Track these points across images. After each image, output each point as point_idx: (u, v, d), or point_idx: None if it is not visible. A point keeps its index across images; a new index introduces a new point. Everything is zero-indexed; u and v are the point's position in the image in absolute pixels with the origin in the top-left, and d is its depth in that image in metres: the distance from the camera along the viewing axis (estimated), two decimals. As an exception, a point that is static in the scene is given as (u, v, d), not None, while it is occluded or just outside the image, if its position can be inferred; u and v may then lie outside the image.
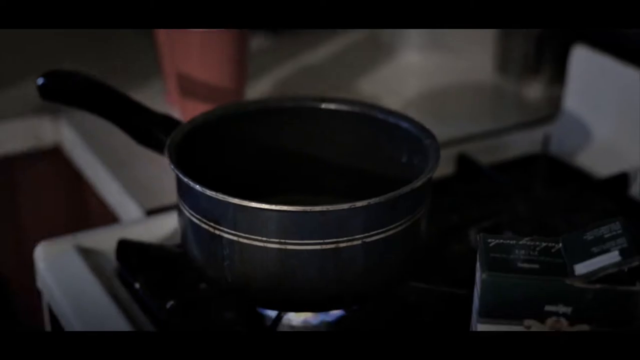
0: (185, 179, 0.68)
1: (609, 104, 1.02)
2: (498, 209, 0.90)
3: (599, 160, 1.00)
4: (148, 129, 0.79)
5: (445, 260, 0.84)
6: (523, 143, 1.03)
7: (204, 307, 0.75)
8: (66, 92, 0.80)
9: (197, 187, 0.67)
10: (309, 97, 0.81)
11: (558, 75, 1.14)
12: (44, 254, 0.82)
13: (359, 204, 0.65)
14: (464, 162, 0.97)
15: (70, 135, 1.05)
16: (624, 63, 1.00)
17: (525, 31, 1.16)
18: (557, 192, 0.92)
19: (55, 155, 1.10)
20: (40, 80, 0.80)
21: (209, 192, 0.66)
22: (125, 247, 0.81)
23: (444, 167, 0.97)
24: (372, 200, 0.66)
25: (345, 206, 0.65)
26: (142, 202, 0.91)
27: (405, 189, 0.67)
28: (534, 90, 1.17)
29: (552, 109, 1.10)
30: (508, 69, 1.20)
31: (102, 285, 0.78)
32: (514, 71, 1.19)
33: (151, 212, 0.89)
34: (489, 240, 0.61)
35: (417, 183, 0.68)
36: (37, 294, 0.85)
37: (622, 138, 1.00)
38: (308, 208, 0.65)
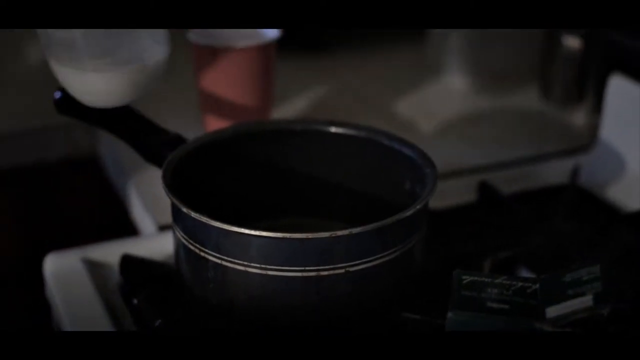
0: (175, 200, 0.68)
1: (645, 136, 0.99)
2: (516, 240, 0.88)
3: (628, 194, 0.96)
4: (156, 147, 0.79)
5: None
6: (552, 173, 1.00)
7: (194, 327, 0.75)
8: (80, 107, 0.81)
9: (184, 209, 0.67)
10: (319, 121, 0.81)
11: (599, 104, 1.11)
12: (52, 265, 0.83)
13: (340, 232, 0.64)
14: (485, 190, 0.95)
15: (104, 145, 1.07)
16: (662, 94, 0.97)
17: (568, 57, 1.13)
18: (579, 225, 0.90)
19: (91, 165, 1.12)
20: (57, 95, 0.81)
21: (193, 215, 0.66)
22: (128, 263, 0.81)
23: (465, 195, 0.95)
24: (355, 230, 0.65)
25: (326, 234, 0.65)
26: (158, 217, 0.91)
27: (392, 219, 0.66)
28: (577, 118, 1.14)
29: (589, 139, 1.07)
30: (551, 95, 1.17)
31: (102, 299, 0.78)
32: (557, 97, 1.17)
33: (164, 228, 0.89)
34: (464, 277, 0.60)
35: (406, 213, 0.67)
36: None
37: (656, 172, 0.97)
38: (288, 235, 0.65)
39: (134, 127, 0.80)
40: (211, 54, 0.96)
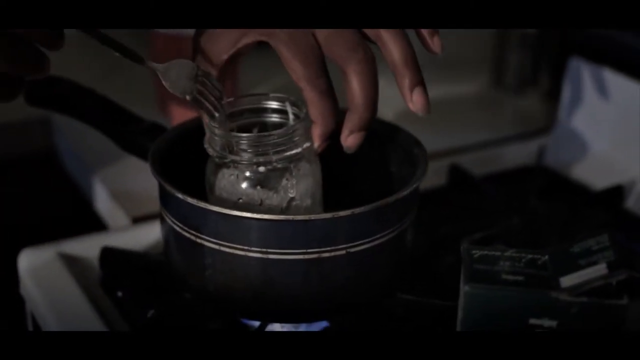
0: (168, 187, 0.67)
1: (605, 116, 1.01)
2: (490, 221, 0.89)
3: (593, 172, 0.98)
4: (134, 136, 0.78)
5: (435, 272, 0.82)
6: (517, 155, 1.02)
7: (186, 317, 0.74)
8: (52, 97, 0.79)
9: (179, 195, 0.66)
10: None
11: (554, 87, 1.13)
12: (27, 261, 0.81)
13: (342, 213, 0.64)
14: (456, 173, 0.96)
15: (61, 140, 1.04)
16: (620, 75, 0.99)
17: (522, 43, 1.15)
18: (551, 204, 0.91)
19: (46, 160, 1.09)
20: (27, 86, 0.79)
21: (190, 200, 0.65)
22: (109, 255, 0.79)
23: (436, 178, 0.96)
24: (356, 210, 0.64)
25: (328, 215, 0.64)
26: (129, 210, 0.90)
27: (391, 198, 0.66)
28: (530, 103, 1.16)
29: (548, 121, 1.09)
30: (504, 82, 1.19)
31: (84, 293, 0.77)
32: (510, 83, 1.18)
33: (137, 220, 0.88)
34: (474, 252, 0.60)
35: (403, 193, 0.67)
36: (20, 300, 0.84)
37: (617, 150, 0.99)
38: (290, 217, 0.64)
39: (110, 116, 0.79)
40: (174, 43, 0.95)
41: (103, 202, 0.94)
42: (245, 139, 0.66)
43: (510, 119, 1.14)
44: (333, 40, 0.64)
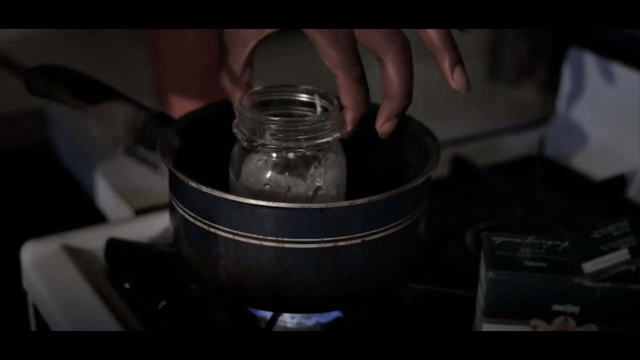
0: (181, 176, 0.66)
1: (604, 105, 1.01)
2: (495, 211, 0.89)
3: (594, 162, 0.98)
4: (141, 126, 0.76)
5: (442, 262, 0.82)
6: (518, 145, 1.02)
7: (196, 308, 0.73)
8: (55, 87, 0.78)
9: (192, 183, 0.65)
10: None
11: (551, 78, 1.13)
12: (30, 254, 0.80)
13: (359, 201, 0.63)
14: (460, 164, 0.95)
15: (57, 133, 1.03)
16: (619, 64, 0.99)
17: (518, 35, 1.15)
18: (554, 194, 0.91)
19: (41, 153, 1.08)
20: (28, 75, 0.78)
21: (204, 189, 0.64)
22: (115, 247, 0.78)
23: (439, 169, 0.95)
24: (373, 198, 0.64)
25: (345, 204, 0.64)
26: (131, 202, 0.89)
27: (407, 186, 0.65)
28: (527, 93, 1.16)
29: (545, 113, 1.09)
30: (501, 73, 1.19)
31: (90, 285, 0.76)
32: (507, 75, 1.18)
33: (140, 212, 0.87)
34: (494, 239, 0.59)
35: (419, 180, 0.66)
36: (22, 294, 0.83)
37: (618, 140, 0.99)
38: (307, 205, 0.63)
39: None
40: (175, 35, 0.94)
41: (105, 195, 0.93)
42: (276, 122, 0.66)
43: (508, 110, 1.14)
44: (369, 29, 0.64)
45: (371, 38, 0.64)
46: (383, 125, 0.67)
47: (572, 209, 0.89)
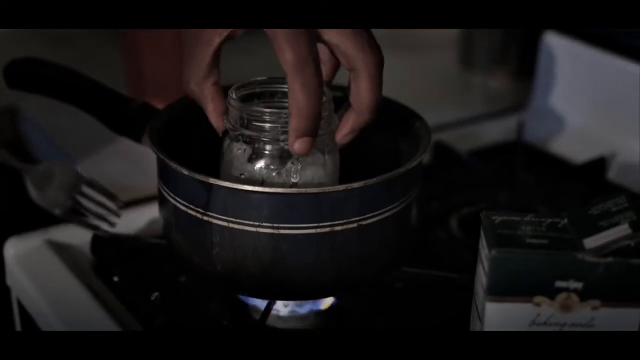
0: (173, 165, 0.65)
1: (580, 90, 1.02)
2: (478, 197, 0.89)
3: (573, 146, 0.99)
4: (125, 117, 0.75)
5: (429, 247, 0.82)
6: (497, 131, 1.02)
7: (187, 299, 0.72)
8: (37, 80, 0.77)
9: (185, 172, 0.64)
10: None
11: (525, 64, 1.13)
12: (14, 250, 0.78)
13: (355, 185, 0.63)
14: (442, 150, 0.95)
15: (31, 129, 1.02)
16: (594, 49, 1.00)
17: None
18: (536, 178, 0.92)
19: (14, 150, 1.06)
20: (8, 68, 0.77)
21: (198, 177, 0.63)
22: (101, 241, 0.77)
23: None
24: (369, 182, 0.63)
25: (342, 188, 0.63)
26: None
27: (402, 169, 0.65)
28: (502, 81, 1.17)
29: (521, 99, 1.10)
30: (473, 62, 1.19)
31: (78, 279, 0.75)
32: (479, 64, 1.19)
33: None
34: (494, 218, 0.59)
35: (413, 163, 0.66)
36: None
37: (595, 124, 1.00)
38: (303, 190, 0.63)
39: (99, 98, 0.76)
40: (154, 35, 0.93)
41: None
42: (255, 112, 0.65)
43: (484, 97, 1.15)
44: (343, 39, 0.62)
45: (346, 47, 0.62)
46: (346, 136, 0.65)
47: (555, 192, 0.90)
